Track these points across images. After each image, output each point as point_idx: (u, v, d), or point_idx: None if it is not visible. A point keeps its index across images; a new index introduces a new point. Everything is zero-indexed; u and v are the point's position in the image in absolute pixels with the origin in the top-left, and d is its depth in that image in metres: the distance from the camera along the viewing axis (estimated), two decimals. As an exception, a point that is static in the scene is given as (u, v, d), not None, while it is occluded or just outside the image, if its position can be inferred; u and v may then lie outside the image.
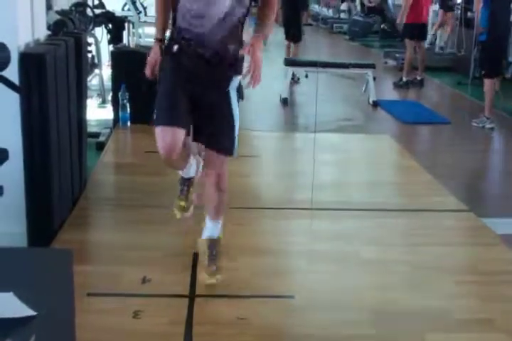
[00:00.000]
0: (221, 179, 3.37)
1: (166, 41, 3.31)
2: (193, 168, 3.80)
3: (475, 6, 8.29)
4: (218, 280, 3.40)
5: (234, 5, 3.10)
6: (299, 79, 10.13)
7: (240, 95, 3.31)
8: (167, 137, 3.14)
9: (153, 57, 3.32)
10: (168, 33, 3.33)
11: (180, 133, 3.16)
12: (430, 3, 10.70)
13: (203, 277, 3.42)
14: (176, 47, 3.20)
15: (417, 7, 10.28)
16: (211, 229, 3.51)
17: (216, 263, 3.45)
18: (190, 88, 3.18)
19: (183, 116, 3.19)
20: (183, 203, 3.90)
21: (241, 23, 3.19)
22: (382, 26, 17.26)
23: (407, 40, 10.72)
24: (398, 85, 10.51)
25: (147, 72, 3.33)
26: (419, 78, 10.56)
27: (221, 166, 3.35)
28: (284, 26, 11.77)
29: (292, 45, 11.54)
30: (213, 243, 3.49)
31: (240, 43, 3.20)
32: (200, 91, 3.20)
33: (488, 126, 7.94)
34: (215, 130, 3.27)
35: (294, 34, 11.44)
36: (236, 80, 3.26)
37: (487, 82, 8.02)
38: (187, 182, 3.90)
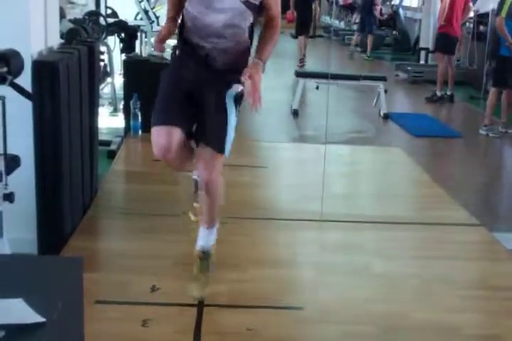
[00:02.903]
0: (211, 183, 3.28)
1: (172, 48, 3.37)
2: None
3: (498, 28, 8.30)
4: (205, 294, 3.35)
5: (238, 16, 3.12)
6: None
7: (239, 99, 3.28)
8: (161, 137, 3.13)
9: (165, 31, 3.31)
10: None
11: (176, 134, 3.14)
12: (462, 18, 10.61)
13: (190, 290, 3.36)
14: (179, 52, 3.26)
15: (451, 18, 10.23)
16: (204, 237, 3.45)
17: (206, 275, 3.42)
18: (189, 88, 3.20)
19: (180, 117, 3.18)
20: (196, 205, 3.80)
21: (247, 35, 3.21)
22: (394, 35, 17.26)
23: (438, 54, 10.69)
24: (432, 100, 10.39)
25: (156, 44, 3.36)
26: (449, 93, 10.48)
27: (211, 167, 3.25)
28: (297, 21, 13.68)
29: (304, 39, 13.47)
30: (204, 255, 3.44)
31: (246, 54, 3.25)
32: (198, 91, 3.21)
33: (491, 134, 7.99)
34: (206, 127, 3.24)
35: (307, 27, 13.77)
36: (236, 87, 3.24)
37: (493, 90, 8.08)
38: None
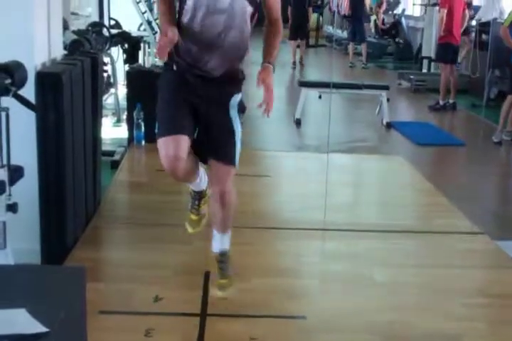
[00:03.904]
0: (225, 195, 3.34)
1: (166, 59, 3.28)
2: (203, 180, 3.71)
3: (503, 38, 8.33)
4: (230, 294, 3.38)
5: (232, 25, 3.12)
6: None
7: (241, 109, 3.30)
8: (170, 148, 3.12)
9: (171, 33, 2.99)
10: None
11: (184, 143, 3.14)
12: (461, 26, 10.66)
13: (214, 291, 3.41)
14: (175, 66, 3.24)
15: (451, 28, 10.26)
16: (219, 240, 3.49)
17: (228, 276, 3.45)
18: (190, 99, 3.21)
19: (186, 125, 3.19)
20: (194, 217, 3.82)
21: (243, 43, 3.21)
22: (396, 43, 17.29)
23: (441, 64, 10.72)
24: (434, 109, 10.40)
25: (160, 52, 3.03)
26: (451, 101, 10.49)
27: (225, 181, 3.31)
28: (291, 25, 14.68)
29: (300, 42, 14.61)
30: (223, 257, 3.48)
31: (241, 61, 3.26)
32: (200, 105, 3.22)
33: (495, 139, 8.04)
34: (215, 142, 3.28)
35: (303, 31, 14.85)
36: (237, 97, 3.27)
37: (509, 97, 8.13)
38: (198, 195, 3.78)
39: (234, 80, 3.24)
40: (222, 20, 3.11)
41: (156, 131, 3.22)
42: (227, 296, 3.40)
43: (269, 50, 3.22)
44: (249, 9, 3.15)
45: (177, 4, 3.21)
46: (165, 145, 3.14)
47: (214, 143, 3.29)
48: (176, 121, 3.19)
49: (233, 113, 3.26)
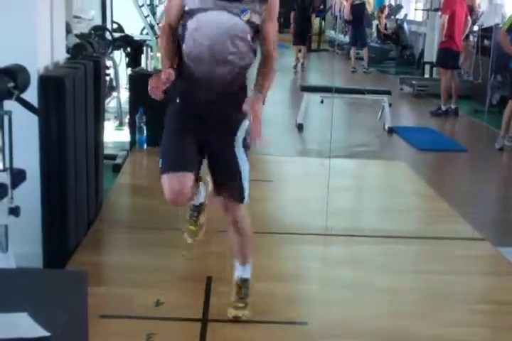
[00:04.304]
0: (239, 224, 3.32)
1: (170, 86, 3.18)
2: (201, 194, 3.77)
3: (501, 41, 8.36)
4: (245, 317, 3.34)
5: (241, 39, 3.05)
6: None
7: (246, 145, 3.26)
8: (174, 184, 3.11)
9: (166, 76, 3.05)
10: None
11: (188, 179, 3.14)
12: (464, 32, 10.67)
13: (230, 311, 3.35)
14: (178, 99, 3.20)
15: (453, 33, 10.27)
16: (240, 271, 3.44)
17: (245, 301, 3.40)
18: (195, 134, 3.17)
19: (190, 161, 3.18)
20: (193, 228, 3.87)
21: (244, 69, 3.16)
22: (398, 48, 17.31)
23: (441, 69, 10.72)
24: (436, 114, 10.40)
25: (153, 90, 3.04)
26: (453, 107, 10.49)
27: (237, 212, 3.30)
28: (295, 30, 15.43)
29: (302, 47, 15.27)
30: (243, 283, 3.43)
31: (243, 88, 3.21)
32: (206, 138, 3.19)
33: (497, 146, 8.04)
34: (222, 178, 3.28)
35: (305, 36, 15.49)
36: (244, 125, 3.20)
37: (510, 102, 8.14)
38: (196, 208, 3.85)
39: (237, 108, 3.13)
40: (223, 41, 3.04)
41: (160, 166, 3.19)
42: (242, 315, 3.34)
43: (263, 82, 3.16)
44: (250, 34, 3.07)
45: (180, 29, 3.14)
46: (169, 181, 3.13)
47: (220, 181, 3.29)
48: (179, 158, 3.16)
49: (239, 150, 3.23)
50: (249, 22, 3.04)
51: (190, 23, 3.05)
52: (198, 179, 3.40)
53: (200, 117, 3.17)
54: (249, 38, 3.07)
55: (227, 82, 3.12)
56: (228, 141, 3.21)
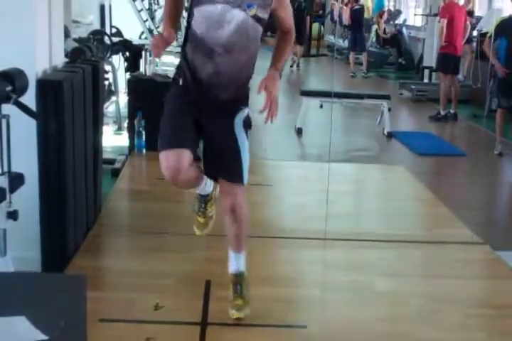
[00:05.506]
0: (236, 210, 3.29)
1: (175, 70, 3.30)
2: (209, 184, 3.65)
3: (489, 54, 8.40)
4: (247, 314, 3.32)
5: (246, 31, 3.09)
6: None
7: (248, 124, 3.28)
8: (171, 160, 3.12)
9: (167, 33, 3.06)
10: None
11: (185, 155, 3.13)
12: (464, 36, 10.69)
13: (231, 312, 3.33)
14: (181, 80, 3.22)
15: (452, 38, 10.28)
16: (234, 261, 3.42)
17: (243, 297, 3.37)
18: (194, 114, 3.20)
19: (187, 139, 3.18)
20: (201, 220, 3.78)
21: (252, 58, 3.20)
22: (399, 61, 17.35)
23: (441, 74, 10.74)
24: (435, 119, 10.41)
25: (156, 49, 3.07)
26: (452, 111, 10.49)
27: (235, 196, 3.29)
28: None
29: (298, 47, 15.96)
30: (237, 279, 3.41)
31: (249, 77, 3.23)
32: (205, 120, 3.22)
33: (495, 151, 8.05)
34: (220, 161, 3.27)
35: (301, 37, 15.50)
36: (244, 111, 3.25)
37: (498, 112, 8.20)
38: (204, 198, 3.75)
39: (240, 95, 3.21)
40: (228, 35, 3.08)
41: (158, 143, 3.20)
42: (243, 316, 3.33)
43: (279, 55, 3.23)
44: (256, 26, 3.11)
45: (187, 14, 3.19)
46: (165, 157, 3.14)
47: (219, 162, 3.28)
48: (177, 135, 3.18)
49: (238, 130, 3.24)
50: (255, 17, 3.08)
51: (197, 12, 3.09)
52: (197, 159, 3.36)
53: (201, 98, 3.19)
54: (255, 32, 3.12)
55: (232, 71, 3.15)
56: (228, 120, 3.22)
